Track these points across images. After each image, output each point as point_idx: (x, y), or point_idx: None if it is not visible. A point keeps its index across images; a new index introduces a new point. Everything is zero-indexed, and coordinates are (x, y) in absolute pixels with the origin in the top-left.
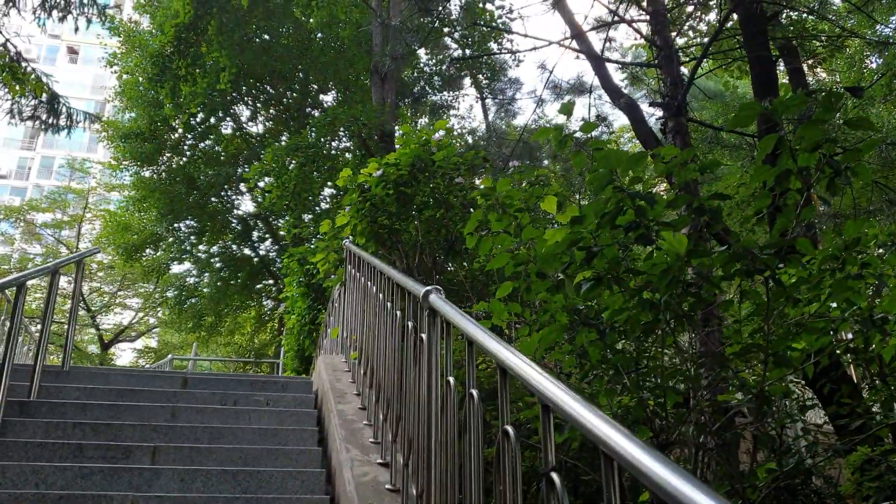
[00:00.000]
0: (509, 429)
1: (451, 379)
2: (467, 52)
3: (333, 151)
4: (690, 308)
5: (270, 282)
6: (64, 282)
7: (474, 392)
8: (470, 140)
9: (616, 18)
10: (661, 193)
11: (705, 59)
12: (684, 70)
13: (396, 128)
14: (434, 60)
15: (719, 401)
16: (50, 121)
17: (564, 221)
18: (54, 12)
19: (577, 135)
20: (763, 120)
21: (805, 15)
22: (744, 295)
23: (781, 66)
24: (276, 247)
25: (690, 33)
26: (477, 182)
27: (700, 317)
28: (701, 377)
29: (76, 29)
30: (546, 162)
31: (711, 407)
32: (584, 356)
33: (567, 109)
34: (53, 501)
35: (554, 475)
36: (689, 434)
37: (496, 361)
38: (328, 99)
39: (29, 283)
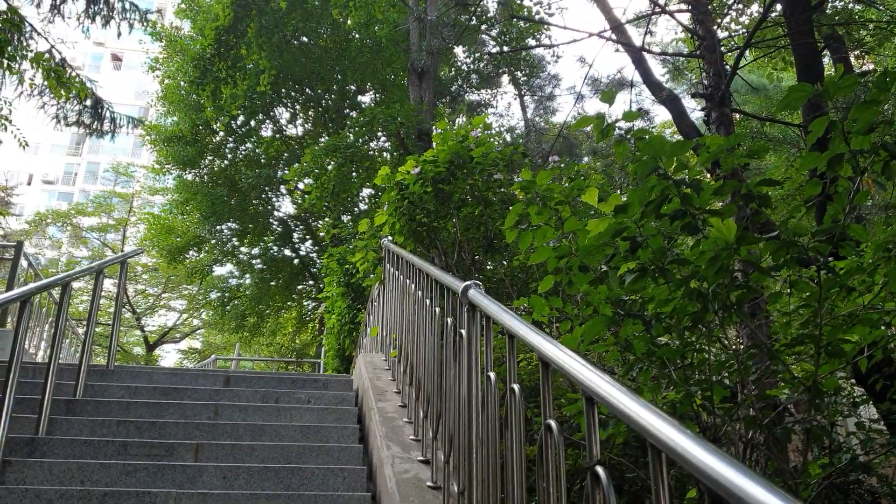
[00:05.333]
0: (552, 423)
1: (492, 374)
2: (505, 48)
3: (371, 152)
4: (739, 299)
5: (311, 282)
6: (109, 284)
7: (516, 387)
8: (508, 138)
9: (657, 9)
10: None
11: (748, 51)
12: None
13: (434, 126)
14: (471, 58)
15: (768, 395)
16: (94, 125)
17: (608, 212)
18: (98, 18)
19: (619, 125)
20: (810, 108)
21: (851, 4)
22: (793, 286)
23: (827, 58)
24: (316, 248)
25: (733, 25)
26: (516, 178)
27: (747, 309)
28: (751, 370)
29: (119, 34)
30: (585, 158)
31: (761, 401)
32: (629, 349)
33: (609, 97)
34: (99, 498)
35: (599, 469)
36: (738, 429)
37: (538, 354)
38: (366, 99)
39: (75, 285)
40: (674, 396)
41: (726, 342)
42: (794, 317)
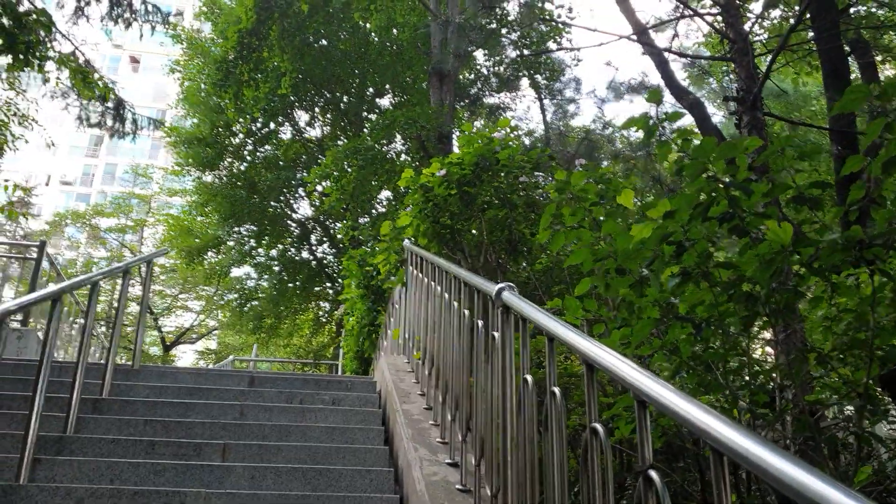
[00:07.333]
0: (598, 426)
1: (529, 377)
2: (525, 52)
3: (390, 154)
4: (787, 302)
5: (328, 284)
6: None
7: (556, 390)
8: (527, 141)
9: (686, 12)
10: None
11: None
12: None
13: (455, 129)
14: (491, 62)
15: (811, 400)
16: (116, 126)
17: (656, 217)
18: (120, 21)
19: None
20: (837, 114)
21: (875, 10)
22: (834, 290)
23: (851, 61)
24: (334, 250)
25: (756, 28)
26: (541, 181)
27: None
28: (801, 374)
29: (140, 36)
30: (605, 163)
31: (808, 406)
32: (675, 352)
33: (656, 97)
34: (129, 497)
35: (653, 473)
36: (787, 432)
37: (582, 357)
38: (384, 102)
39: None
40: (706, 400)
41: (744, 350)
42: (834, 323)
